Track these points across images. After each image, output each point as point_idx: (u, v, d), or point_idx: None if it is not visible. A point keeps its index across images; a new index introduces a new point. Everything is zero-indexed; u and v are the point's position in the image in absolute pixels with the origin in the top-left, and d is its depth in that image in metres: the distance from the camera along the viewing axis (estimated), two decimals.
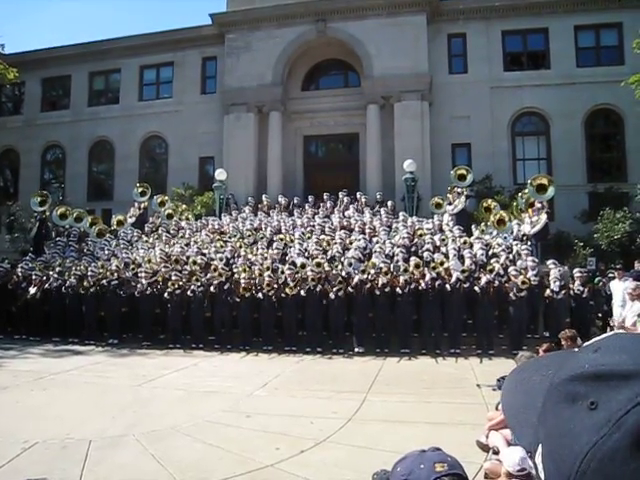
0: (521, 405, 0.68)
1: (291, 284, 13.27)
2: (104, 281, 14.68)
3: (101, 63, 27.64)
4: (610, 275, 14.59)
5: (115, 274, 14.79)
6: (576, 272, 13.43)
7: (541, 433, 0.61)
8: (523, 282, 12.48)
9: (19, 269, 16.28)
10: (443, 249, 14.63)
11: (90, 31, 67.89)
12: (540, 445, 0.61)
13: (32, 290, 15.20)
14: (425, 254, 13.99)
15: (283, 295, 13.26)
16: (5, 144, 29.15)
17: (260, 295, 13.42)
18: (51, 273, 15.64)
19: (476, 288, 12.60)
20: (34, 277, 15.49)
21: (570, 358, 0.64)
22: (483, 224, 17.08)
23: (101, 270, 15.15)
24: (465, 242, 14.91)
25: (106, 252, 17.26)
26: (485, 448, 5.67)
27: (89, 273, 14.95)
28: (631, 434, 0.51)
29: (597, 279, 14.64)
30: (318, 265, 13.69)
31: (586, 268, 14.91)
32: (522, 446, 0.68)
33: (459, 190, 17.89)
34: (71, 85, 28.64)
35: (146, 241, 18.44)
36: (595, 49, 23.47)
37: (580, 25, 23.03)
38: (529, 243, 15.10)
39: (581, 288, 12.99)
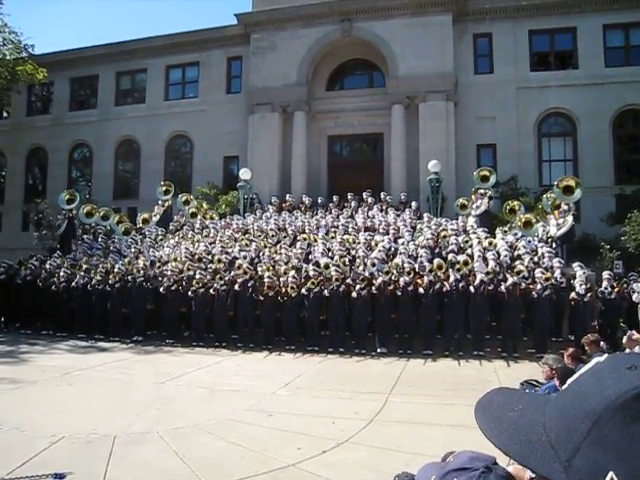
0: (521, 440, 0.70)
1: (315, 281, 13.30)
2: (129, 277, 14.88)
3: (128, 63, 27.98)
4: (632, 278, 14.41)
5: (142, 271, 14.97)
6: (605, 275, 13.27)
7: (604, 459, 0.60)
8: (547, 279, 12.36)
9: (47, 265, 16.59)
10: (468, 251, 14.53)
11: (117, 32, 68.67)
12: (611, 472, 0.60)
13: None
14: (449, 255, 13.92)
15: (305, 292, 13.28)
16: (34, 143, 29.67)
17: (284, 291, 13.47)
18: (77, 271, 15.89)
19: (502, 288, 12.49)
20: (62, 274, 15.75)
21: (602, 385, 0.64)
22: (508, 226, 16.93)
23: (128, 267, 15.36)
24: (490, 243, 14.79)
25: (132, 250, 17.48)
26: (508, 453, 5.61)
27: (116, 270, 15.16)
28: None
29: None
30: (344, 264, 13.75)
31: (613, 271, 14.69)
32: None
33: (482, 191, 17.77)
34: (98, 85, 29.03)
35: (171, 239, 18.62)
36: (624, 48, 23.04)
37: (609, 24, 22.65)
38: (554, 245, 14.94)
39: (609, 289, 12.85)
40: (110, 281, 15.02)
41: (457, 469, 1.04)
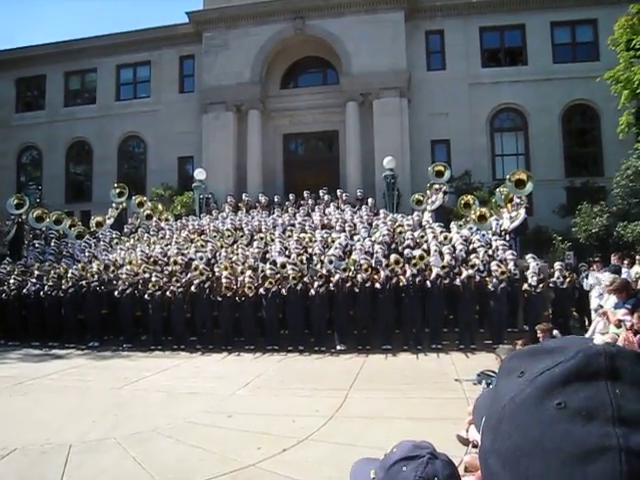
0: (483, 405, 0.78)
1: (272, 281, 13.26)
2: (83, 282, 14.56)
3: (76, 63, 27.33)
4: (582, 268, 14.89)
5: (96, 276, 14.66)
6: (557, 265, 13.63)
7: (485, 410, 0.71)
8: (502, 272, 12.61)
9: None
10: (424, 245, 14.70)
11: (64, 31, 67.06)
12: (483, 418, 0.71)
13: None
14: (405, 251, 14.05)
15: (263, 292, 13.22)
16: None
17: (242, 292, 13.36)
18: (29, 277, 15.47)
19: (457, 282, 12.69)
20: (12, 281, 15.30)
21: None
22: (463, 220, 17.18)
23: (82, 272, 15.01)
24: (445, 238, 15.00)
25: (86, 254, 17.11)
26: (465, 442, 5.69)
27: (69, 275, 14.81)
28: (538, 388, 0.63)
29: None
30: (301, 262, 13.76)
31: (564, 262, 15.09)
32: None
33: (437, 186, 18.00)
34: (46, 85, 28.31)
35: (126, 242, 18.30)
36: (571, 45, 23.76)
37: (556, 21, 23.29)
38: (507, 238, 15.24)
39: (561, 279, 13.19)
40: (63, 287, 14.66)
41: (403, 458, 1.03)
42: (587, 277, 14.10)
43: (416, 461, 1.01)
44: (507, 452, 0.63)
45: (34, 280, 15.20)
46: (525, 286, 12.83)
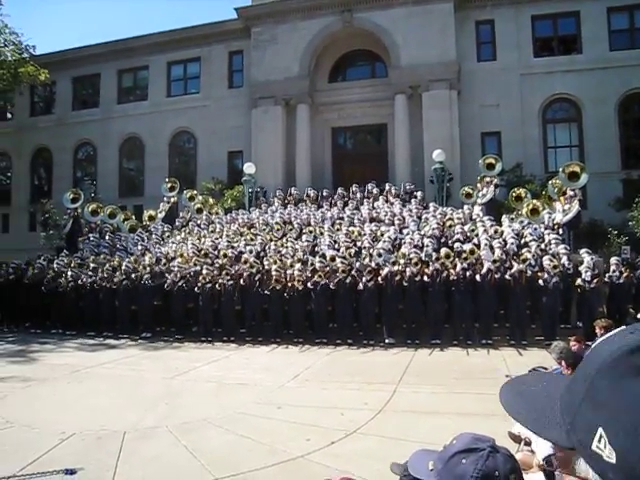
0: (536, 410, 0.74)
1: (322, 274, 13.28)
2: (134, 275, 14.91)
3: (129, 61, 28.00)
4: (639, 264, 14.36)
5: (148, 268, 15.00)
6: (613, 260, 13.21)
7: (595, 417, 0.63)
8: (555, 267, 12.30)
9: (55, 265, 16.67)
10: (474, 239, 14.48)
11: (117, 30, 68.65)
12: (600, 428, 0.62)
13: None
14: (455, 244, 13.88)
15: (311, 286, 13.27)
16: (38, 143, 29.75)
17: (290, 285, 13.44)
18: (85, 269, 15.96)
19: (507, 276, 12.47)
20: (70, 273, 15.82)
21: (599, 349, 0.68)
22: (515, 213, 16.85)
23: (135, 264, 15.39)
24: (496, 231, 14.74)
25: (139, 247, 17.53)
26: (517, 439, 5.59)
27: (123, 267, 15.20)
28: None
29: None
30: (350, 256, 13.75)
31: (620, 257, 14.60)
32: (552, 444, 0.75)
33: (488, 179, 17.68)
34: (100, 83, 29.08)
35: (177, 235, 18.66)
36: (629, 31, 22.77)
37: (613, 7, 22.40)
38: (560, 232, 14.86)
39: (618, 275, 12.78)
40: (117, 279, 15.07)
41: (463, 450, 1.01)
42: None
43: (476, 454, 0.99)
44: None
45: (90, 272, 15.67)
46: (579, 281, 12.49)
